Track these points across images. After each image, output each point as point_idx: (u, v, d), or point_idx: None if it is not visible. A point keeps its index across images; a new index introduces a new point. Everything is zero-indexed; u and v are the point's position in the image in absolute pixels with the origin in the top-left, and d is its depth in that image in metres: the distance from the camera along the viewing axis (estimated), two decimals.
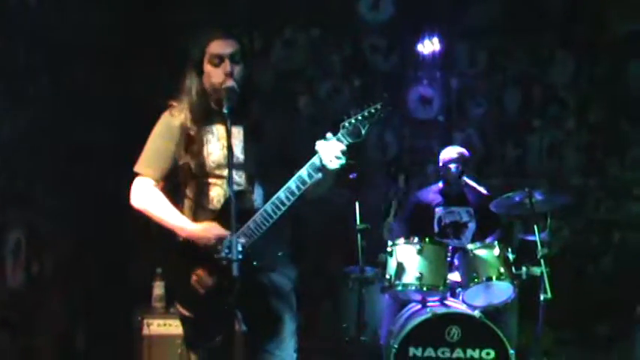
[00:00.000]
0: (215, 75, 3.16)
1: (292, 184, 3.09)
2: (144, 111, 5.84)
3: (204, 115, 3.22)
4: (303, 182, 3.09)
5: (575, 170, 6.60)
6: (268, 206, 3.11)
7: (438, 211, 5.37)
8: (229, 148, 3.00)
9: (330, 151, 3.05)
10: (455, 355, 4.56)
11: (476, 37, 6.53)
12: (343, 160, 3.05)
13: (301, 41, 6.46)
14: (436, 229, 5.32)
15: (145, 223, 5.65)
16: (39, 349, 4.66)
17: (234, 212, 2.92)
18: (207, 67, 3.18)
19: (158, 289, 5.04)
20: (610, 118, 6.59)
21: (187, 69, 3.27)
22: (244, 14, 6.30)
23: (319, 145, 3.07)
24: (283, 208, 3.10)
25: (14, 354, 4.32)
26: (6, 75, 4.25)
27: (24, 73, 4.49)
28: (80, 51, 5.20)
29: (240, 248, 2.93)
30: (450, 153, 5.40)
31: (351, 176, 4.86)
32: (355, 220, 4.89)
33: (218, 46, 3.17)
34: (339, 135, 3.10)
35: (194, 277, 3.14)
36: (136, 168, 3.31)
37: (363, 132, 3.12)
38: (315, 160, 3.08)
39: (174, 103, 3.31)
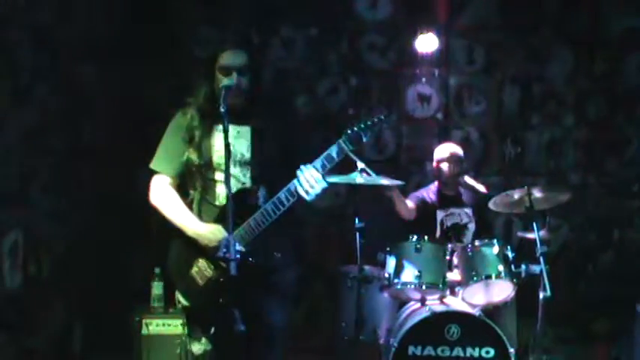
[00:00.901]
0: (222, 82, 3.30)
1: (287, 188, 3.22)
2: (142, 111, 5.91)
3: (212, 115, 3.33)
4: (284, 200, 3.23)
5: (574, 167, 6.59)
6: (269, 205, 3.24)
7: (440, 214, 5.35)
8: (227, 146, 3.07)
9: (306, 180, 3.18)
10: (454, 354, 4.55)
11: (473, 35, 6.52)
12: (317, 191, 3.19)
13: (299, 40, 6.44)
14: (438, 232, 5.30)
15: (144, 222, 5.68)
16: (37, 350, 4.65)
17: (231, 211, 2.98)
18: (218, 75, 3.33)
19: (157, 289, 5.03)
20: (609, 115, 6.58)
21: (199, 72, 3.45)
22: (242, 12, 6.29)
23: (299, 171, 3.20)
24: (282, 209, 3.23)
25: (12, 355, 4.31)
26: (5, 75, 4.24)
27: (24, 74, 4.48)
28: (80, 51, 5.19)
29: (237, 248, 3.02)
30: (441, 152, 5.38)
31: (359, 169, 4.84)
32: (354, 219, 4.88)
33: (227, 59, 3.32)
34: (341, 141, 3.23)
35: (194, 269, 3.29)
36: (152, 165, 3.48)
37: (364, 139, 3.26)
38: (290, 186, 3.22)
39: (189, 101, 3.46)
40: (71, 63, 5.10)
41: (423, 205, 5.36)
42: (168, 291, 5.02)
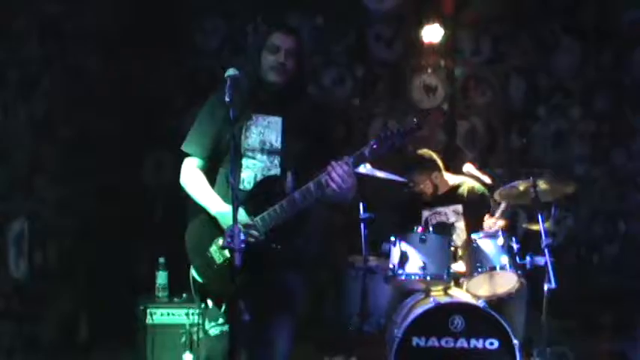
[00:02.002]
0: (267, 61, 3.38)
1: (318, 180, 3.22)
2: (148, 101, 5.92)
3: (249, 99, 3.40)
4: (312, 191, 3.23)
5: (580, 159, 6.58)
6: (297, 194, 3.26)
7: (425, 213, 5.30)
8: (233, 137, 3.16)
9: (338, 175, 3.17)
10: (458, 345, 4.54)
11: (480, 25, 6.49)
12: (348, 186, 3.19)
13: (305, 30, 6.42)
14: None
15: (149, 212, 5.68)
16: (42, 339, 4.67)
17: (233, 202, 3.02)
18: (264, 53, 3.40)
19: (161, 278, 5.03)
20: (615, 107, 6.56)
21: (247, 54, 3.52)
22: (248, 2, 6.28)
23: (330, 166, 3.20)
24: (310, 199, 3.25)
25: (18, 343, 4.33)
26: (12, 66, 4.25)
27: (31, 64, 4.48)
28: (87, 42, 5.20)
29: (242, 237, 3.03)
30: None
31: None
32: (359, 210, 4.88)
33: (278, 38, 3.40)
34: (373, 143, 3.21)
35: (213, 247, 3.32)
36: (184, 147, 3.50)
37: (397, 144, 3.23)
38: (321, 178, 3.22)
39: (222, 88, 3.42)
40: (78, 54, 5.10)
41: (409, 201, 5.37)
42: (173, 280, 5.03)
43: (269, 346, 3.35)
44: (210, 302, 3.42)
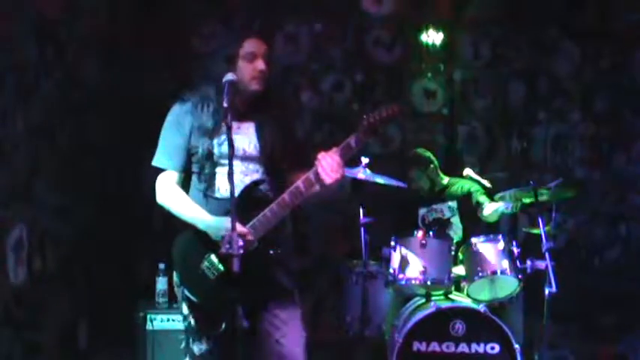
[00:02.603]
0: (246, 70, 3.33)
1: (306, 177, 3.21)
2: (147, 108, 5.90)
3: (217, 109, 3.35)
4: (302, 189, 3.23)
5: (580, 162, 6.56)
6: (287, 194, 3.24)
7: (421, 210, 5.40)
8: (230, 142, 3.09)
9: (327, 165, 3.17)
10: (459, 350, 4.54)
11: (479, 29, 6.49)
12: (338, 176, 3.19)
13: (303, 35, 6.42)
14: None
15: (148, 218, 5.67)
16: (42, 345, 4.65)
17: (234, 206, 3.02)
18: (240, 62, 3.33)
19: (161, 284, 5.02)
20: (615, 110, 6.55)
21: (215, 61, 3.52)
22: (245, 7, 6.27)
23: (317, 159, 3.19)
24: (300, 197, 3.23)
25: (18, 350, 4.32)
26: (11, 71, 4.24)
27: (29, 70, 4.48)
28: (85, 46, 5.19)
29: (240, 243, 3.01)
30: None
31: (363, 165, 4.85)
32: (359, 214, 4.88)
33: (253, 45, 3.35)
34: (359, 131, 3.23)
35: (205, 263, 3.26)
36: (155, 162, 3.45)
37: (380, 130, 3.27)
38: (309, 174, 3.21)
39: (187, 95, 3.46)
40: (76, 59, 5.10)
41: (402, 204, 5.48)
42: (173, 287, 5.01)
43: (283, 344, 3.31)
44: (193, 321, 3.39)
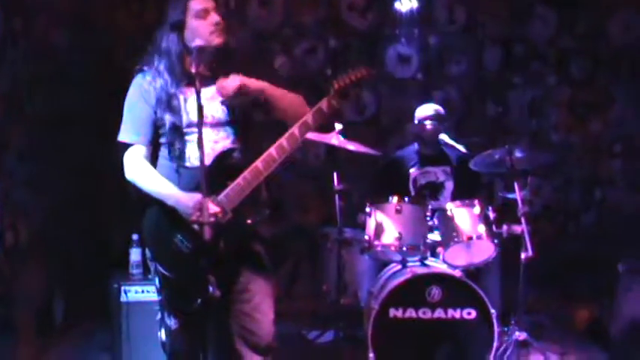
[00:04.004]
0: (202, 27, 3.22)
1: (279, 143, 3.17)
2: (121, 78, 5.80)
3: (183, 75, 3.25)
4: (275, 156, 3.17)
5: (556, 127, 6.56)
6: (259, 162, 3.16)
7: (413, 172, 5.29)
8: (199, 108, 3.03)
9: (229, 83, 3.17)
10: (436, 315, 4.53)
11: None
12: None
13: (277, 1, 6.32)
14: (412, 191, 5.26)
15: (122, 189, 5.61)
16: (17, 319, 4.61)
17: (203, 174, 2.97)
18: (193, 23, 3.23)
19: (135, 255, 4.97)
20: (592, 74, 6.53)
21: (164, 30, 3.30)
22: None
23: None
24: (274, 165, 3.17)
25: None
26: None
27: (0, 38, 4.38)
28: (57, 16, 5.09)
29: (211, 211, 2.98)
30: (425, 110, 5.32)
31: (337, 131, 4.81)
32: (333, 181, 4.86)
33: (201, 2, 3.23)
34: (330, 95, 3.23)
35: (178, 237, 3.18)
36: (121, 137, 3.34)
37: (351, 93, 3.27)
38: (281, 140, 3.18)
39: (146, 67, 3.34)
40: (45, 29, 5.00)
41: (389, 168, 5.38)
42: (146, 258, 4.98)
43: (255, 313, 3.27)
44: (166, 296, 3.32)
